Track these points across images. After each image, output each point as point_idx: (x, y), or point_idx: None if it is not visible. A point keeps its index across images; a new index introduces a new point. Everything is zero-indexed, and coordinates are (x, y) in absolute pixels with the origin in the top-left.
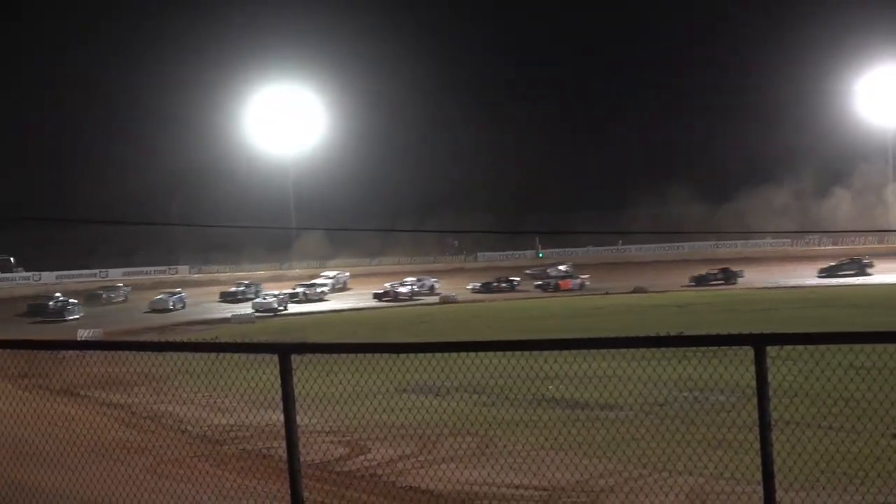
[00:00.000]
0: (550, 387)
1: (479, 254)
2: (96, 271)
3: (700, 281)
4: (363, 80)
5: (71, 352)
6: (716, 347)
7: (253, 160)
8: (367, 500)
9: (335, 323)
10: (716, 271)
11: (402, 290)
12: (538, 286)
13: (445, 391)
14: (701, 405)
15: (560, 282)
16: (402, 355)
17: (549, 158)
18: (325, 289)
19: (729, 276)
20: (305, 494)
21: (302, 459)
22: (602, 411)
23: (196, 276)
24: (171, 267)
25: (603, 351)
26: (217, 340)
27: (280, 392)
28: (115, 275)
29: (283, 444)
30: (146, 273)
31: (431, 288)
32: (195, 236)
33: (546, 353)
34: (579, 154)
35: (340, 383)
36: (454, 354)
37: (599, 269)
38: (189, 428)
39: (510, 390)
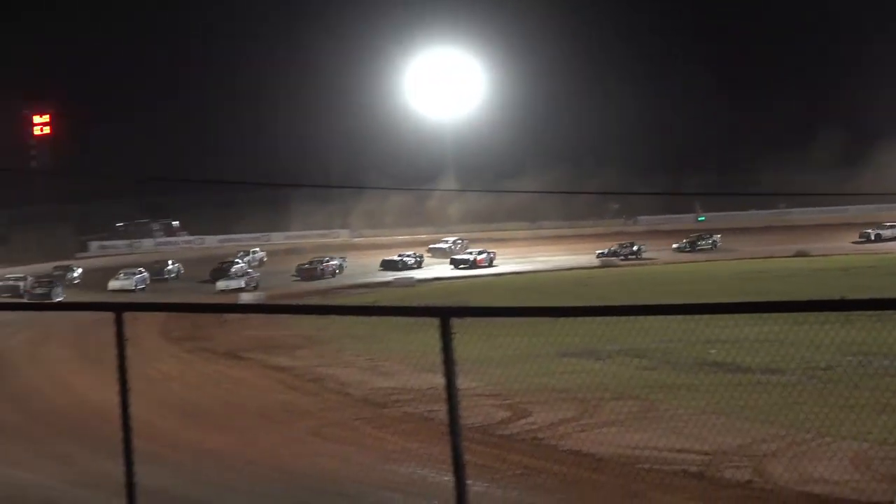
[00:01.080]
0: (712, 350)
1: (638, 217)
2: (258, 234)
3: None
4: (522, 42)
5: (234, 315)
6: (880, 312)
7: (414, 124)
8: (528, 464)
9: (496, 287)
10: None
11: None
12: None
13: (606, 355)
14: (865, 369)
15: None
16: (563, 319)
17: (711, 119)
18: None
19: None
20: (467, 457)
21: (463, 423)
22: (764, 375)
23: (357, 239)
24: (333, 231)
25: (764, 315)
26: (378, 304)
27: (441, 355)
28: (278, 238)
29: (445, 407)
30: (308, 237)
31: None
32: (356, 200)
33: (707, 316)
34: (740, 115)
35: (501, 346)
36: (615, 318)
37: (762, 232)
38: (351, 391)
39: (671, 354)
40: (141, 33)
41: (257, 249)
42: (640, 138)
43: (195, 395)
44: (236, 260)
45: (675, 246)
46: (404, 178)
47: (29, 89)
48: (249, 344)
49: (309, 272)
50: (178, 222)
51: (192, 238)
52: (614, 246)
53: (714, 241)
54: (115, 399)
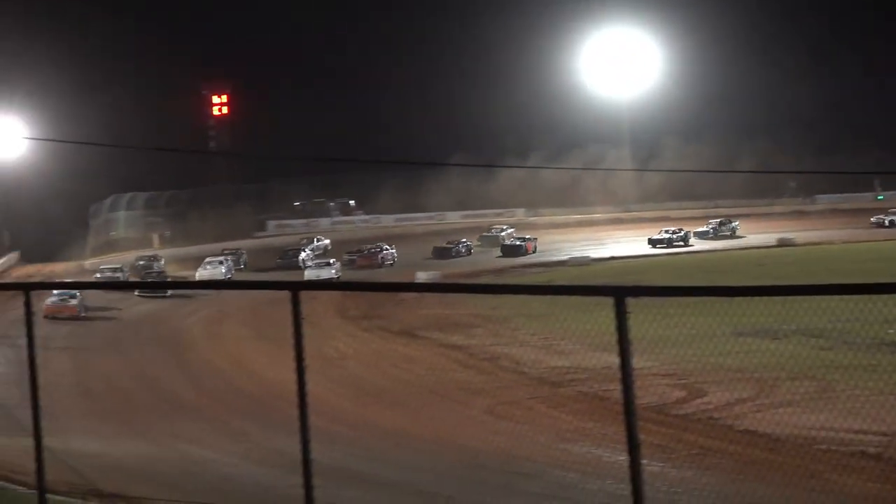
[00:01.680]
0: (891, 330)
1: (816, 196)
2: (433, 214)
3: None
4: (697, 18)
5: (410, 294)
6: None
7: (589, 103)
8: (704, 444)
9: (671, 266)
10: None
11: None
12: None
13: (783, 334)
14: None
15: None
16: (738, 298)
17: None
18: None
19: None
20: (642, 437)
21: (638, 402)
22: None
23: (532, 218)
24: (508, 210)
25: None
26: (552, 283)
27: (616, 335)
28: (453, 217)
29: (619, 386)
30: (484, 216)
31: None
32: (531, 179)
33: (886, 296)
34: None
35: (676, 326)
36: (791, 298)
37: None
38: (526, 370)
39: (849, 334)
40: (314, 11)
41: (321, 237)
42: (821, 114)
43: (371, 374)
44: (300, 248)
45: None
46: (581, 157)
47: (208, 69)
48: (425, 322)
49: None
50: (353, 201)
51: (368, 217)
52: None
53: (733, 227)
54: (291, 377)
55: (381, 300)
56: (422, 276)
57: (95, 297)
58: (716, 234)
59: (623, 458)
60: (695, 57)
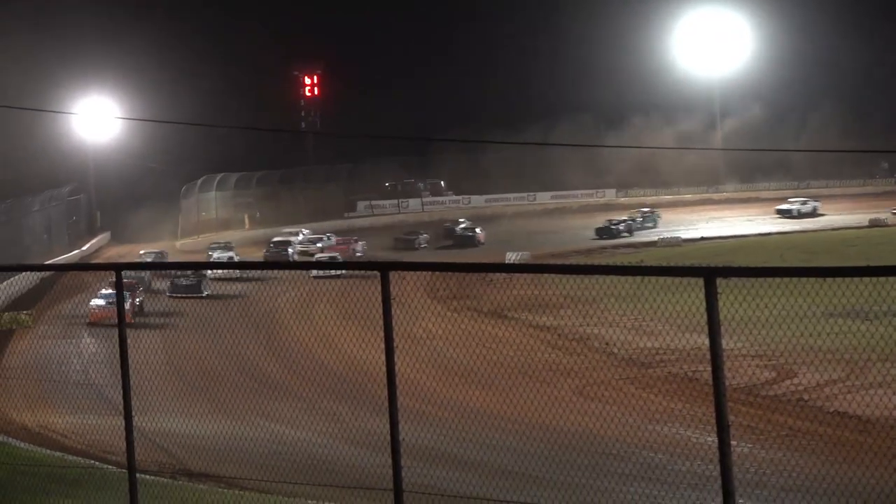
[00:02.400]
0: None
1: None
2: (524, 194)
3: None
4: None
5: (499, 274)
6: None
7: (681, 83)
8: (793, 425)
9: (761, 246)
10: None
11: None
12: None
13: (874, 315)
14: None
15: None
16: (830, 279)
17: None
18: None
19: None
20: (731, 418)
21: (728, 383)
22: None
23: (623, 199)
24: (599, 190)
25: None
26: (642, 264)
27: (706, 315)
28: (543, 198)
29: (709, 367)
30: (574, 196)
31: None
32: (622, 160)
33: None
34: None
35: (766, 307)
36: (883, 279)
37: None
38: (615, 350)
39: None
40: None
41: (306, 231)
42: None
43: (459, 354)
44: (290, 239)
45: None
46: (672, 137)
47: (300, 50)
48: (514, 303)
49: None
50: (444, 182)
51: (458, 198)
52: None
53: (814, 207)
54: (380, 357)
55: (472, 281)
56: (511, 257)
57: (154, 301)
58: (799, 214)
59: (712, 439)
60: (787, 37)
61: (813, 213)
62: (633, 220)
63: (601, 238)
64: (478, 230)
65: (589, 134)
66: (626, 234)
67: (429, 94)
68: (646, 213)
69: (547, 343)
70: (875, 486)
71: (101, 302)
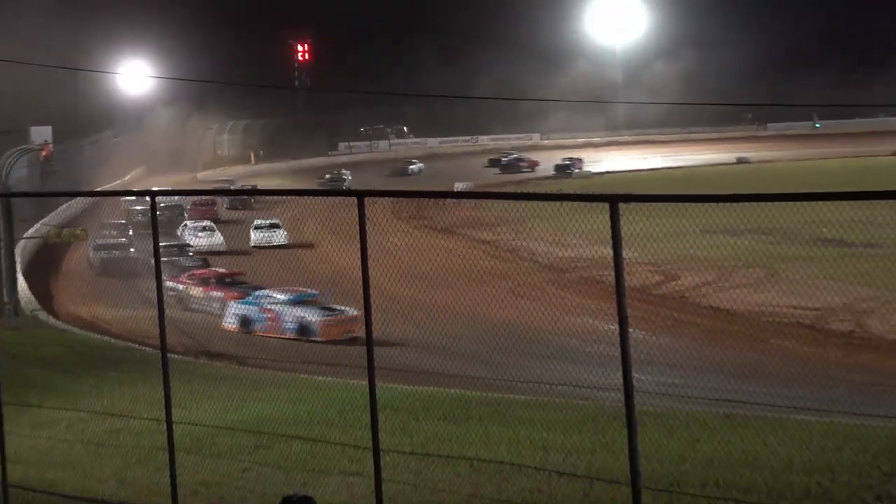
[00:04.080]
0: (824, 229)
1: (768, 124)
2: (469, 137)
3: None
4: None
5: (449, 199)
6: None
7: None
8: (677, 317)
9: (655, 178)
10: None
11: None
12: None
13: (740, 232)
14: None
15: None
16: (707, 204)
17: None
18: None
19: None
20: (629, 311)
21: (626, 284)
22: (865, 248)
23: (545, 141)
24: (527, 134)
25: (865, 202)
26: (561, 192)
27: (610, 232)
28: (484, 141)
29: (612, 272)
30: (506, 139)
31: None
32: (548, 111)
33: (822, 203)
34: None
35: (657, 226)
36: (748, 203)
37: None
38: (539, 259)
39: (791, 232)
40: None
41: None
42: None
43: (418, 262)
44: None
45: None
46: (586, 93)
47: (295, 21)
48: (460, 222)
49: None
50: (406, 128)
51: (418, 140)
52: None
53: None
54: (358, 264)
55: (427, 204)
56: (459, 186)
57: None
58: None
59: (614, 327)
60: (675, 14)
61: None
62: (509, 155)
63: (492, 166)
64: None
65: (522, 87)
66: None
67: (397, 57)
68: (570, 160)
69: (486, 253)
70: (737, 361)
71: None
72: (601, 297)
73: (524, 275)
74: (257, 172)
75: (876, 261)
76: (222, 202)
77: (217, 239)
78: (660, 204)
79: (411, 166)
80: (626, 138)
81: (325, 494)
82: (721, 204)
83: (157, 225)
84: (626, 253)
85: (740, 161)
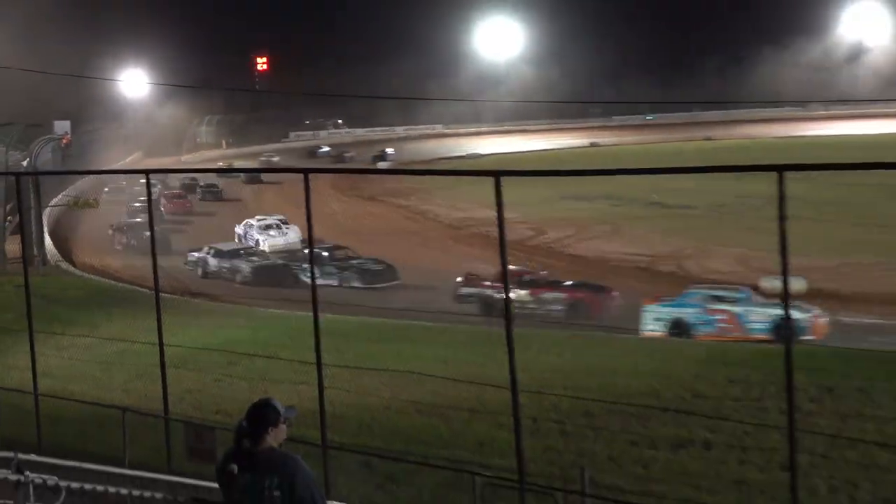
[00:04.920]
0: (654, 195)
1: (613, 116)
2: (387, 128)
3: None
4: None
5: (376, 175)
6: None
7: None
8: (545, 262)
9: (528, 159)
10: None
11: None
12: None
13: (593, 198)
14: (747, 206)
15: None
16: (567, 178)
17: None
18: None
19: None
20: (509, 258)
21: (507, 238)
22: (683, 209)
23: (446, 130)
24: (432, 125)
25: (683, 176)
26: (457, 168)
27: (494, 199)
28: (399, 130)
29: (497, 229)
30: (418, 128)
31: None
32: (450, 107)
33: (657, 176)
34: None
35: (530, 193)
36: (600, 176)
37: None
38: (442, 220)
39: (631, 197)
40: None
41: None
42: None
43: (352, 224)
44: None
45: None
46: (474, 93)
47: (256, 38)
48: (383, 192)
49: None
50: (341, 120)
51: (350, 130)
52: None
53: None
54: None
55: (357, 178)
56: (382, 165)
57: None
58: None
59: (497, 269)
60: (546, 32)
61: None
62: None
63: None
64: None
65: (428, 88)
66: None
67: (338, 66)
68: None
69: (402, 216)
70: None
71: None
72: (487, 248)
73: (431, 231)
74: (227, 156)
75: (691, 219)
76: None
77: (293, 237)
78: (533, 178)
79: (320, 150)
80: (507, 128)
81: (279, 399)
82: (582, 178)
83: (151, 200)
84: (507, 214)
85: (593, 145)
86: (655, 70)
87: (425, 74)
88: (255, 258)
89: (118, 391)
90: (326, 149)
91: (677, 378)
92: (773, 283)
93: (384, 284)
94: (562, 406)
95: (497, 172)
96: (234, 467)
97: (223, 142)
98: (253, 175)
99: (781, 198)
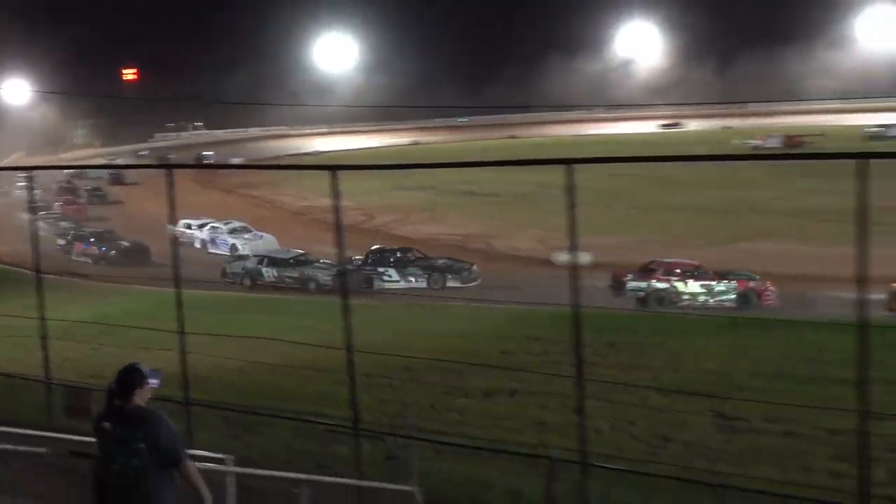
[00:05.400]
0: (462, 185)
1: (435, 119)
2: (241, 129)
3: None
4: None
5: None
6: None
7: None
8: (378, 241)
9: (360, 155)
10: None
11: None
12: None
13: (415, 188)
14: (537, 193)
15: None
16: (395, 171)
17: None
18: None
19: None
20: (346, 240)
21: (344, 222)
22: (490, 197)
23: (291, 131)
24: (280, 126)
25: (493, 168)
26: (301, 164)
27: (331, 191)
28: (254, 131)
29: (332, 215)
30: (268, 130)
31: None
32: (290, 112)
33: (467, 168)
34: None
35: (364, 185)
36: (421, 170)
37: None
38: (286, 207)
39: (446, 188)
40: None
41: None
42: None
43: (212, 211)
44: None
45: None
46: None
47: (125, 51)
48: (236, 185)
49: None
50: (201, 123)
51: (208, 131)
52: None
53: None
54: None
55: (213, 173)
56: (234, 160)
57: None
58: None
59: (334, 251)
60: (374, 45)
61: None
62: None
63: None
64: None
65: (278, 94)
66: None
67: (200, 75)
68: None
69: (253, 205)
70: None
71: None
72: (325, 231)
73: (279, 217)
74: (100, 154)
75: (497, 205)
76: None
77: (270, 240)
78: (365, 171)
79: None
80: (343, 129)
81: (148, 363)
82: (404, 170)
83: (33, 198)
84: (343, 202)
85: (415, 143)
86: (469, 78)
87: (273, 83)
88: (320, 265)
89: (4, 361)
90: (210, 152)
91: (486, 338)
92: (563, 257)
93: (473, 284)
94: (392, 364)
95: (334, 167)
96: (107, 424)
97: (96, 142)
98: (116, 175)
99: (571, 187)
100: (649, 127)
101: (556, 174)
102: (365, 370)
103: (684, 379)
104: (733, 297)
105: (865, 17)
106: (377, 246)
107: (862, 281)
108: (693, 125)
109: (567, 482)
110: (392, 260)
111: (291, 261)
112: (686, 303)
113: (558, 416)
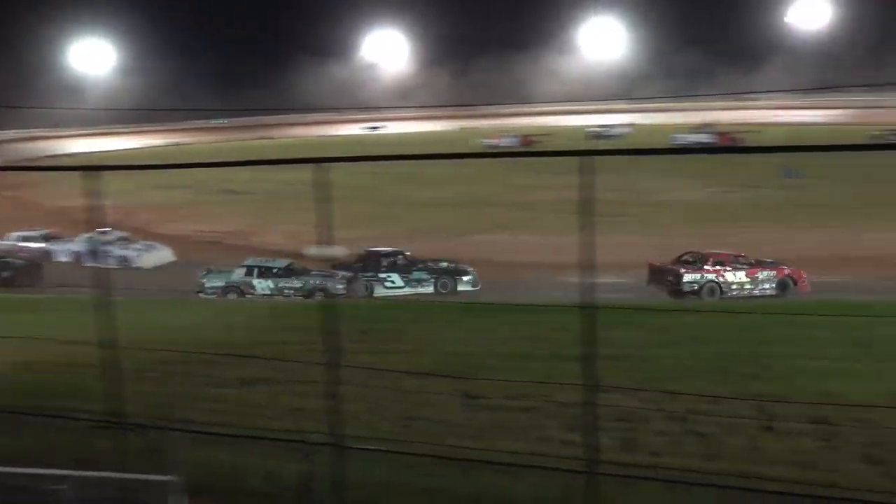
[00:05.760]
0: (231, 184)
1: (205, 121)
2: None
3: None
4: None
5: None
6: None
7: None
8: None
9: (112, 156)
10: None
11: None
12: None
13: (175, 187)
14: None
15: None
16: (154, 171)
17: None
18: None
19: None
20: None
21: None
22: (248, 195)
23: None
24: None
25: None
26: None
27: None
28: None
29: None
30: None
31: None
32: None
33: (224, 168)
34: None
35: (125, 184)
36: (180, 169)
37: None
38: (47, 208)
39: (206, 186)
40: None
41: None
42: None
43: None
44: None
45: None
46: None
47: None
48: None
49: None
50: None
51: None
52: None
53: None
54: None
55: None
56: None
57: None
58: None
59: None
60: (132, 50)
61: None
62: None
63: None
64: None
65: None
66: None
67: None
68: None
69: (12, 205)
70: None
71: None
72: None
73: (36, 218)
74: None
75: (253, 203)
76: None
77: (164, 252)
78: (125, 171)
79: None
80: (102, 130)
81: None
82: (164, 170)
83: None
84: (105, 201)
85: (174, 145)
86: (225, 80)
87: (27, 85)
88: (318, 272)
89: None
90: None
91: (242, 329)
92: (316, 251)
93: (478, 287)
94: (152, 357)
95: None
96: None
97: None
98: None
99: (322, 183)
100: (400, 127)
101: (306, 172)
102: (125, 365)
103: (433, 362)
104: (774, 284)
105: (588, 27)
106: (369, 248)
107: (587, 266)
108: (430, 126)
109: (324, 465)
110: (385, 264)
111: (280, 271)
112: (735, 293)
113: (315, 402)
